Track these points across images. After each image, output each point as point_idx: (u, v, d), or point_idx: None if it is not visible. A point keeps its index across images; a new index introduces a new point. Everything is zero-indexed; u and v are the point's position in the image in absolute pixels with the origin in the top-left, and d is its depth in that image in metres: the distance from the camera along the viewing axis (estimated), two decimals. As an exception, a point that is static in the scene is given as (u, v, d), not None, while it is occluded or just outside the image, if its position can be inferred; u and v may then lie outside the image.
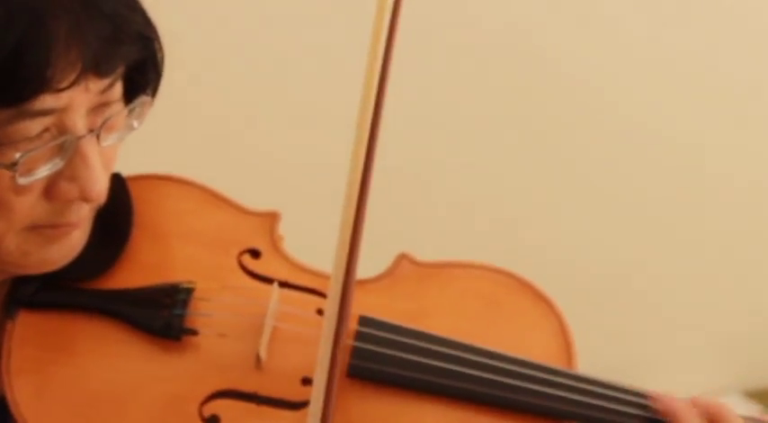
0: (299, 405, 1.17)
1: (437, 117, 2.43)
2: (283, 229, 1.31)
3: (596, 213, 2.95)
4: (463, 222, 2.74)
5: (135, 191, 1.28)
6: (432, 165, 2.66)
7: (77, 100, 1.08)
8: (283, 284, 1.24)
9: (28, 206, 1.12)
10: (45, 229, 1.14)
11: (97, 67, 1.08)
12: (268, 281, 1.24)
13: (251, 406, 1.18)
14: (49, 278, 1.20)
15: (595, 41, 2.78)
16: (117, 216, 1.25)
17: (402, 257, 1.29)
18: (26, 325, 1.20)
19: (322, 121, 2.12)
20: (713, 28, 2.88)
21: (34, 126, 1.07)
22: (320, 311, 1.22)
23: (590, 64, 2.80)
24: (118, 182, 1.24)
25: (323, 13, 2.46)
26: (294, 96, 2.60)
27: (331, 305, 1.09)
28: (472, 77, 2.47)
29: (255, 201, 1.32)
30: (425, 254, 1.29)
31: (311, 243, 1.30)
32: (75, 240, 1.18)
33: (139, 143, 1.22)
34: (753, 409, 2.66)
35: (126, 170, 1.26)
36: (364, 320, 1.20)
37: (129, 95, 1.17)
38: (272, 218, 1.30)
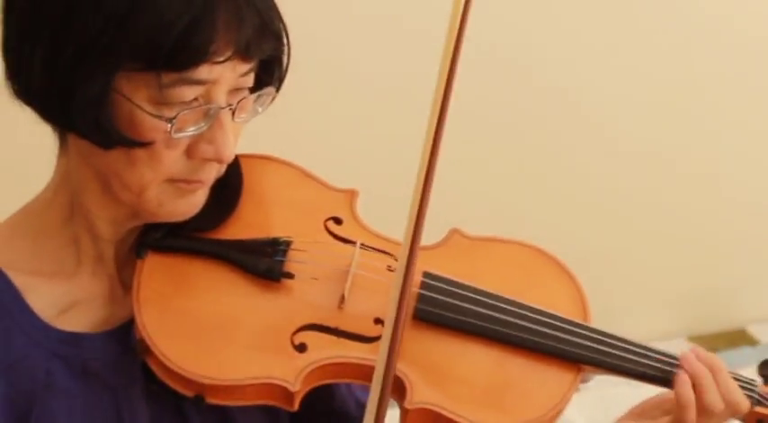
0: (372, 339, 1.34)
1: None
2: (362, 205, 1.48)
3: (566, 184, 3.28)
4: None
5: (244, 166, 1.44)
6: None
7: (225, 77, 1.24)
8: (362, 246, 1.42)
9: (172, 160, 1.27)
10: (180, 184, 1.30)
11: (246, 51, 1.24)
12: (350, 242, 1.42)
13: (332, 338, 1.35)
14: (173, 227, 1.37)
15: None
16: (230, 183, 1.40)
17: (454, 231, 1.48)
18: (153, 263, 1.37)
19: (397, 117, 2.33)
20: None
21: (189, 92, 1.23)
22: (390, 268, 1.40)
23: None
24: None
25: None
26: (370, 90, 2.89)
27: (402, 259, 1.23)
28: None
29: (340, 181, 1.50)
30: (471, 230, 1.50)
31: (383, 217, 1.48)
32: (199, 197, 1.34)
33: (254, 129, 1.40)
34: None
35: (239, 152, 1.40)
36: (427, 274, 1.39)
37: (257, 86, 1.32)
38: (351, 194, 1.47)
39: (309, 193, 1.48)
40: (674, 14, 3.27)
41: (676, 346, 1.46)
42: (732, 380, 1.41)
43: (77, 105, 1.23)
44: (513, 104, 3.17)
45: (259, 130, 1.42)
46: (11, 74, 1.28)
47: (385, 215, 1.46)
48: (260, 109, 1.34)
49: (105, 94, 1.22)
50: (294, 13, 1.32)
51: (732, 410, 1.40)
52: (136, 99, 1.22)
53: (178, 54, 1.20)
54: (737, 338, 3.35)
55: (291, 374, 1.31)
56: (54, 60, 1.22)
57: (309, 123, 2.74)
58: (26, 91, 1.28)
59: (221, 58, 1.22)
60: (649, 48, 3.29)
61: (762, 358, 1.51)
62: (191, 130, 1.26)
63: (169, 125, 1.23)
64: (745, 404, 1.40)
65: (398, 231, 1.34)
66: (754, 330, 3.36)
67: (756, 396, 1.43)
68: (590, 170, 3.34)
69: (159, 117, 1.23)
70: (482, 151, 3.10)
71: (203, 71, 1.22)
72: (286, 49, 1.33)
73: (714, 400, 1.39)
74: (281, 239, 1.40)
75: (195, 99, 1.25)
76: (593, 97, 3.28)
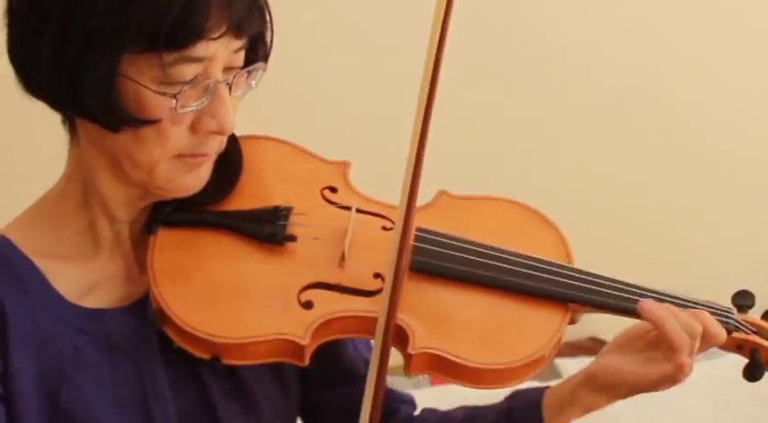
0: (372, 293, 1.42)
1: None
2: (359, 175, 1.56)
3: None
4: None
5: (243, 145, 1.52)
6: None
7: (220, 53, 1.32)
8: (358, 210, 1.50)
9: (178, 135, 1.35)
10: (187, 158, 1.37)
11: (238, 28, 1.32)
12: (346, 208, 1.50)
13: (336, 294, 1.42)
14: (181, 203, 1.45)
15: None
16: (231, 160, 1.49)
17: (441, 192, 1.57)
18: (164, 237, 1.45)
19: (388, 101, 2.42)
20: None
21: (189, 70, 1.31)
22: (385, 228, 1.48)
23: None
24: (231, 137, 1.46)
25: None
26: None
27: (399, 216, 1.33)
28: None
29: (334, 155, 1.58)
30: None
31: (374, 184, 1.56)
32: (204, 171, 1.41)
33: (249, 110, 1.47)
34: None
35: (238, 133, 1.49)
36: (421, 229, 1.47)
37: (248, 63, 1.39)
38: (344, 164, 1.56)
39: (305, 167, 1.56)
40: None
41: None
42: (693, 315, 1.45)
43: (87, 91, 1.30)
44: (511, 84, 3.23)
45: (256, 112, 1.50)
46: (19, 71, 1.36)
47: (377, 184, 1.54)
48: (253, 83, 1.41)
49: (112, 77, 1.30)
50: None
51: (708, 339, 1.45)
52: (141, 80, 1.30)
53: (176, 33, 1.28)
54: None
55: (300, 329, 1.38)
56: (60, 52, 1.30)
57: (301, 103, 2.84)
58: (36, 84, 1.36)
59: (216, 34, 1.30)
60: (651, 48, 3.38)
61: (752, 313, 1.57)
62: (193, 106, 1.33)
63: (174, 100, 1.31)
64: (719, 331, 1.46)
65: (390, 198, 1.43)
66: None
67: (733, 322, 1.50)
68: (580, 170, 3.42)
69: (164, 94, 1.31)
70: (477, 130, 3.19)
71: (200, 48, 1.30)
72: (270, 25, 1.41)
73: (678, 334, 1.42)
74: (282, 206, 1.48)
75: (195, 77, 1.32)
76: (593, 89, 3.34)
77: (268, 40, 1.43)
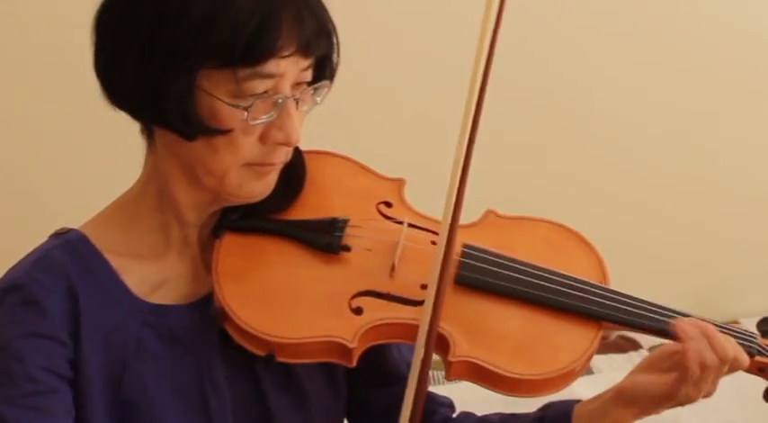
0: (419, 302, 1.47)
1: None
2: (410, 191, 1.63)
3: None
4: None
5: (308, 159, 1.59)
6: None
7: (289, 70, 1.41)
8: (410, 225, 1.57)
9: (249, 145, 1.43)
10: (255, 167, 1.45)
11: (306, 48, 1.41)
12: (399, 222, 1.58)
13: (384, 302, 1.50)
14: (247, 210, 1.53)
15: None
16: (296, 172, 1.56)
17: (489, 212, 1.64)
18: (230, 242, 1.53)
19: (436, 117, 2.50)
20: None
21: (261, 85, 1.39)
22: (434, 242, 1.54)
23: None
24: (296, 151, 1.54)
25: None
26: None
27: (443, 234, 1.37)
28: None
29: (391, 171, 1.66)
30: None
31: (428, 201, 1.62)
32: (271, 179, 1.49)
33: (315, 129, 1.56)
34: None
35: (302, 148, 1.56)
36: (467, 245, 1.54)
37: (314, 80, 1.47)
38: (400, 182, 1.64)
39: (364, 182, 1.64)
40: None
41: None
42: (724, 340, 1.49)
43: (166, 103, 1.39)
44: (532, 104, 3.36)
45: (316, 131, 1.58)
46: (104, 83, 1.46)
47: (430, 203, 1.60)
48: (318, 100, 1.49)
49: (190, 90, 1.39)
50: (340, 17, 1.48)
51: (732, 364, 1.50)
52: (216, 93, 1.39)
53: (250, 51, 1.36)
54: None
55: (350, 333, 1.46)
56: (143, 68, 1.40)
57: (360, 123, 2.97)
58: (119, 96, 1.45)
59: (286, 53, 1.39)
60: (655, 48, 3.45)
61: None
62: (263, 118, 1.42)
63: (246, 113, 1.40)
64: (743, 357, 1.51)
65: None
66: (745, 323, 3.49)
67: (756, 347, 1.55)
68: (590, 175, 3.53)
69: (237, 107, 1.40)
70: (508, 148, 3.27)
71: (272, 65, 1.39)
72: (336, 47, 1.49)
73: (710, 357, 1.47)
74: (340, 218, 1.56)
75: (265, 91, 1.41)
76: (599, 100, 3.44)
77: (335, 60, 1.50)
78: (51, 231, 1.55)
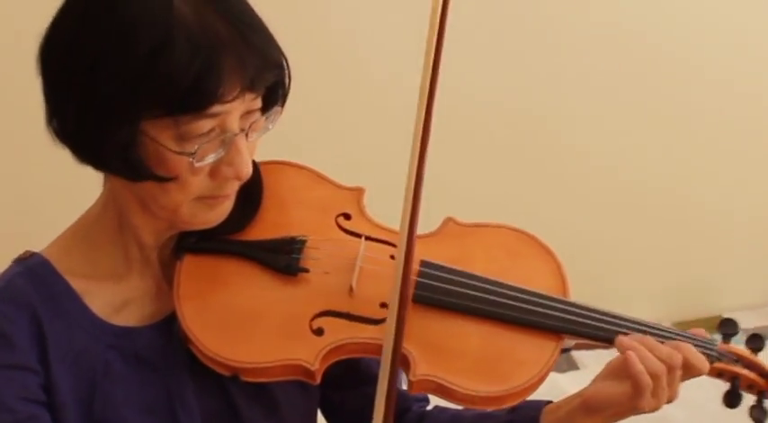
0: (379, 321, 1.49)
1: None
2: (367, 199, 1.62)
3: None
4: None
5: (264, 171, 1.58)
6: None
7: (235, 107, 1.38)
8: (368, 238, 1.57)
9: (198, 183, 1.42)
10: (207, 199, 1.45)
11: (251, 87, 1.37)
12: (357, 235, 1.57)
13: (345, 322, 1.50)
14: (205, 232, 1.52)
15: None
16: (252, 190, 1.54)
17: (448, 219, 1.64)
18: (189, 264, 1.53)
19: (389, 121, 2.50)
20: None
21: (206, 125, 1.36)
22: (392, 256, 1.54)
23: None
24: (253, 165, 1.47)
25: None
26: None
27: (400, 252, 1.40)
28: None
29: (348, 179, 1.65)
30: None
31: (386, 209, 1.62)
32: (225, 207, 1.49)
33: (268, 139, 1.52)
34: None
35: (258, 157, 1.53)
36: (424, 263, 1.54)
37: (266, 106, 1.45)
38: (359, 191, 1.63)
39: (322, 193, 1.62)
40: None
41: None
42: (668, 348, 1.50)
43: (108, 150, 1.38)
44: (507, 96, 3.35)
45: (273, 138, 1.56)
46: (49, 118, 1.44)
47: (390, 207, 1.57)
48: (270, 126, 1.47)
49: (133, 138, 1.37)
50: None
51: (690, 370, 1.51)
52: (161, 140, 1.37)
53: (191, 100, 1.34)
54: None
55: (311, 355, 1.47)
56: (83, 113, 1.37)
57: (315, 129, 2.94)
58: (62, 134, 1.43)
59: (230, 98, 1.36)
60: (648, 49, 3.48)
61: (736, 339, 1.64)
62: (211, 158, 1.40)
63: (191, 159, 1.38)
64: (701, 363, 1.52)
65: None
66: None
67: (716, 353, 1.57)
68: (579, 169, 3.54)
69: (182, 153, 1.37)
70: (478, 147, 3.31)
71: (215, 108, 1.36)
72: (287, 72, 1.46)
73: (656, 365, 1.49)
74: (298, 238, 1.55)
75: (212, 129, 1.38)
76: (584, 94, 3.47)
77: (286, 84, 1.48)
78: (43, 235, 1.57)
